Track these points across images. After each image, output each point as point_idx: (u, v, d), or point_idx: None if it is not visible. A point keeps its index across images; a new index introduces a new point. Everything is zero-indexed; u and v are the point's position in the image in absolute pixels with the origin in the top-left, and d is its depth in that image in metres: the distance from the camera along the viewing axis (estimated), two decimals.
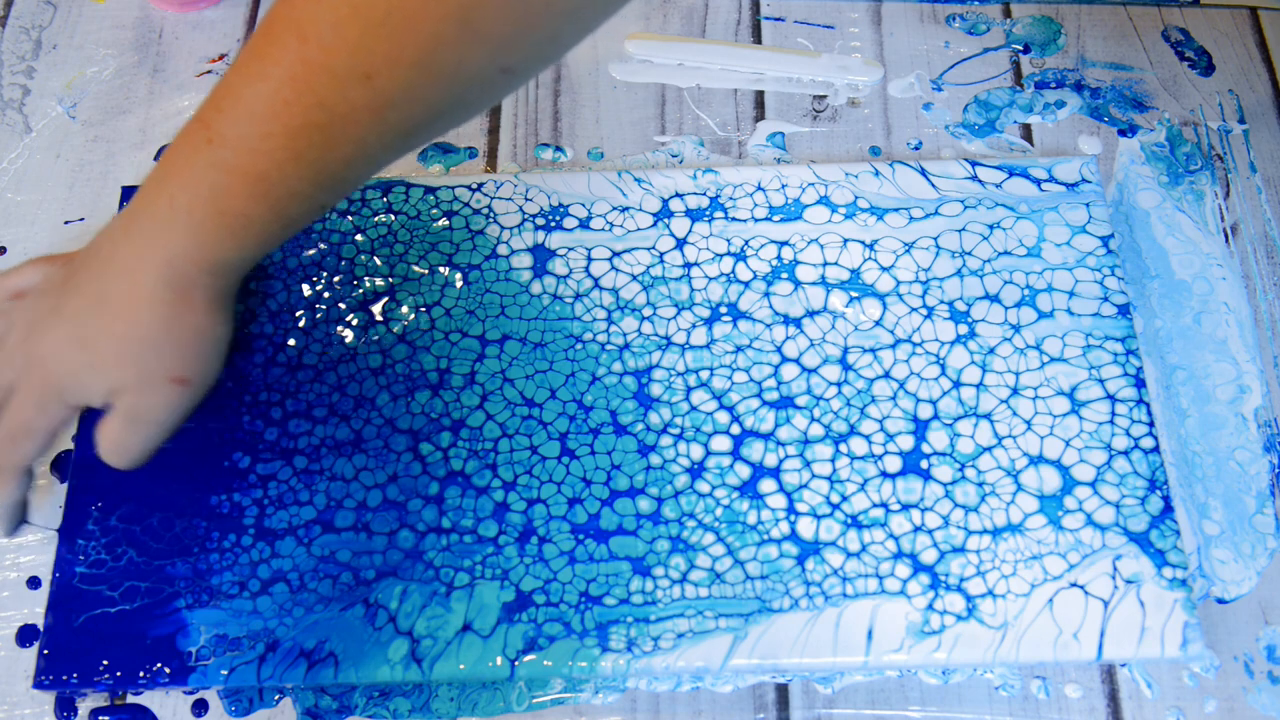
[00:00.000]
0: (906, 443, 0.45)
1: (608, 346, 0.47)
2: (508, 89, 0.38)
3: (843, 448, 0.45)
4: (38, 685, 0.41)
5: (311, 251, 0.49)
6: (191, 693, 0.43)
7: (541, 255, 0.49)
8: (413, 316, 0.47)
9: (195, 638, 0.42)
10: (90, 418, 0.45)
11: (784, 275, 0.48)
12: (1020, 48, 0.56)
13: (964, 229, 0.49)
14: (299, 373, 0.46)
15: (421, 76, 0.35)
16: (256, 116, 0.36)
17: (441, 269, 0.48)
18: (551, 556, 0.43)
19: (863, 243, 0.49)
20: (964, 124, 0.54)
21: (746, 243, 0.49)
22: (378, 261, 0.48)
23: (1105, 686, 0.43)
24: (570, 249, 0.49)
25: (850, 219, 0.49)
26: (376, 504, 0.44)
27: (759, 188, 0.50)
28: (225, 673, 0.41)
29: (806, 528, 0.43)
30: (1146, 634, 0.41)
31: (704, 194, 0.50)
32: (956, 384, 0.46)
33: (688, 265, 0.48)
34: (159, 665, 0.41)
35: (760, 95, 0.55)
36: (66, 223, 0.52)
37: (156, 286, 0.39)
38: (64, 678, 0.41)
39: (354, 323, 0.47)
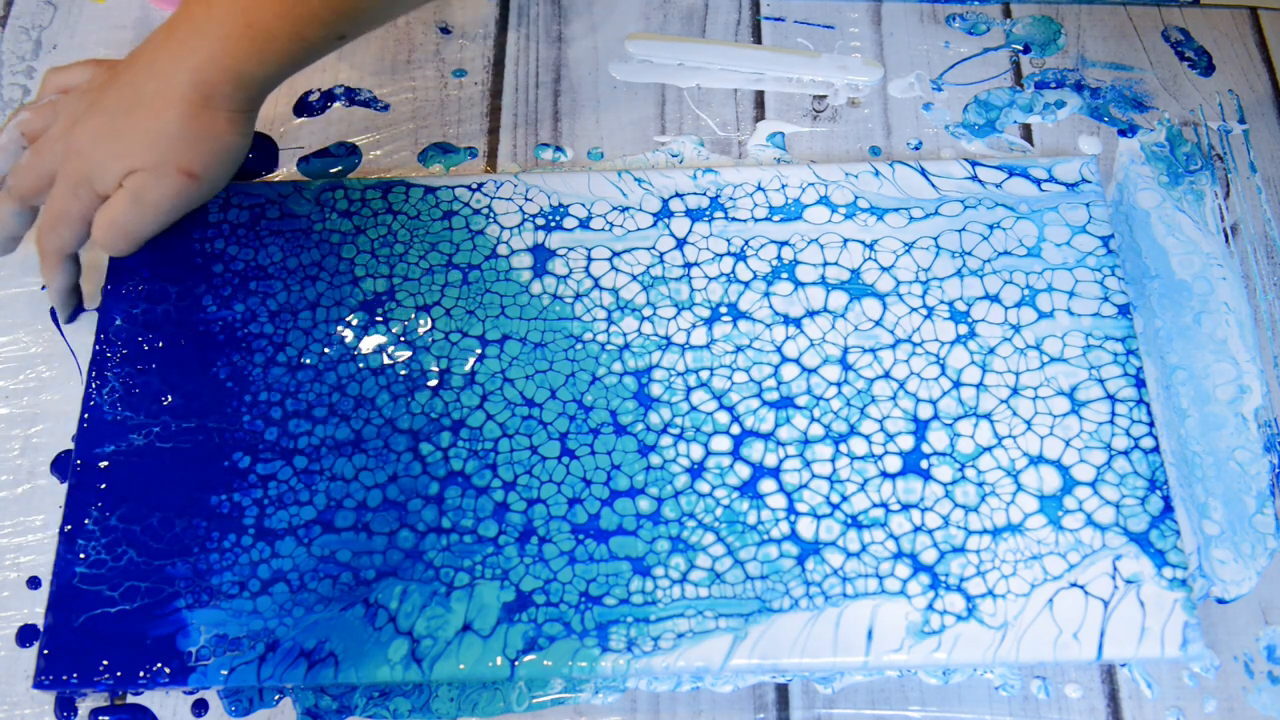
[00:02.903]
0: (906, 443, 0.45)
1: (608, 346, 0.47)
2: None
3: (843, 448, 0.45)
4: (38, 685, 0.41)
5: (312, 251, 0.49)
6: (191, 693, 0.43)
7: (541, 255, 0.49)
8: (413, 316, 0.47)
9: (195, 638, 0.42)
10: (91, 414, 0.45)
11: (784, 275, 0.48)
12: (1020, 48, 0.56)
13: (964, 229, 0.49)
14: (299, 373, 0.46)
15: None
16: None
17: (441, 269, 0.48)
18: (551, 556, 0.43)
19: (863, 243, 0.49)
20: (964, 124, 0.54)
21: (746, 243, 0.49)
22: (378, 261, 0.48)
23: (1105, 686, 0.43)
24: (570, 249, 0.49)
25: (850, 219, 0.49)
26: (376, 504, 0.44)
27: (759, 188, 0.50)
28: (225, 673, 0.41)
29: (806, 528, 0.43)
30: (1146, 634, 0.41)
31: (704, 194, 0.50)
32: (956, 384, 0.46)
33: (688, 265, 0.48)
34: (159, 665, 0.41)
35: (760, 95, 0.55)
36: None
37: (184, 88, 0.43)
38: (64, 678, 0.41)
39: (354, 323, 0.47)
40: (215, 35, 0.43)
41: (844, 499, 0.44)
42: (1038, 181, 0.50)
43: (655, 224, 0.49)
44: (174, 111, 0.43)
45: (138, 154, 0.44)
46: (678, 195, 0.50)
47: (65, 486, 0.45)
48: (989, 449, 0.45)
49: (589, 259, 0.48)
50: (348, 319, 0.47)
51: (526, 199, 0.50)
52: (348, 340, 0.47)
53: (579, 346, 0.47)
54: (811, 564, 0.43)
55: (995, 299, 0.47)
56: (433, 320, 0.47)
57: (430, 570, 0.43)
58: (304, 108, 0.55)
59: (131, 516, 0.44)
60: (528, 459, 0.44)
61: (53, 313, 0.50)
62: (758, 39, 0.57)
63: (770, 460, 0.44)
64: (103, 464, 0.44)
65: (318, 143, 0.54)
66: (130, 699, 0.43)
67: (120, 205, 0.45)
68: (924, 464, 0.44)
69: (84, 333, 0.49)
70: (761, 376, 0.46)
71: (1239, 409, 0.48)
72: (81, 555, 0.43)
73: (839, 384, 0.46)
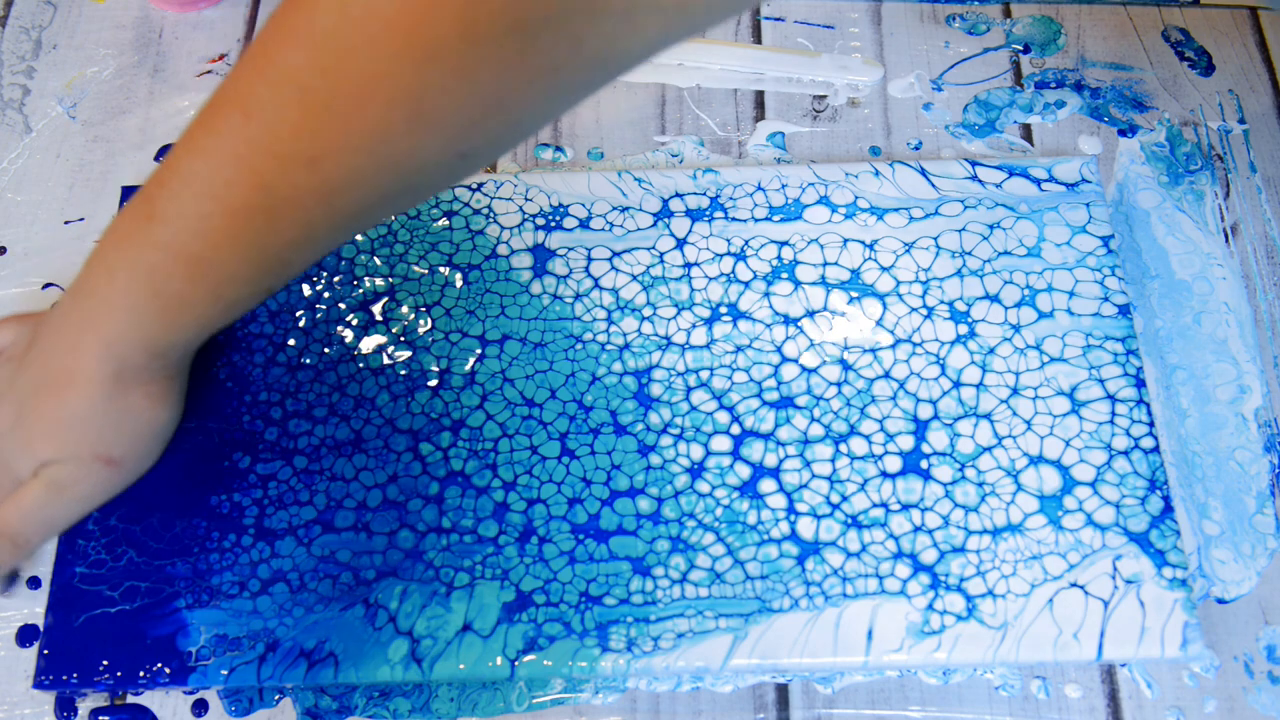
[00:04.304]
0: (906, 443, 0.45)
1: (608, 346, 0.47)
2: (467, 172, 0.35)
3: (843, 448, 0.45)
4: (38, 685, 0.41)
5: None
6: (191, 693, 0.43)
7: (541, 255, 0.49)
8: (413, 316, 0.47)
9: (195, 638, 0.42)
10: None
11: (784, 275, 0.48)
12: (1020, 48, 0.56)
13: (964, 229, 0.49)
14: (299, 373, 0.46)
15: (371, 163, 0.32)
16: (196, 195, 0.34)
17: (441, 269, 0.48)
18: (551, 556, 0.43)
19: (863, 243, 0.49)
20: (964, 124, 0.54)
21: (746, 243, 0.49)
22: (378, 261, 0.48)
23: (1105, 686, 0.43)
24: (570, 249, 0.49)
25: (850, 219, 0.49)
26: (376, 504, 0.44)
27: (759, 188, 0.50)
28: (225, 673, 0.41)
29: (806, 528, 0.43)
30: (1146, 634, 0.41)
31: (704, 194, 0.50)
32: (956, 384, 0.46)
33: (688, 265, 0.48)
34: (159, 665, 0.41)
35: (760, 95, 0.55)
36: (66, 223, 0.52)
37: (92, 367, 0.38)
38: (64, 678, 0.41)
39: (354, 323, 0.47)
40: (120, 308, 0.37)
41: (844, 499, 0.44)
42: (1038, 181, 0.50)
43: (655, 224, 0.49)
44: (82, 394, 0.38)
45: (48, 444, 0.40)
46: (678, 195, 0.50)
47: None
48: (989, 449, 0.45)
49: (589, 259, 0.48)
50: (348, 319, 0.47)
51: (526, 199, 0.50)
52: (348, 340, 0.47)
53: (579, 346, 0.47)
54: (811, 564, 0.43)
55: (995, 299, 0.47)
56: (433, 320, 0.47)
57: (430, 570, 0.43)
58: None
59: (131, 516, 0.44)
60: (528, 459, 0.44)
61: None
62: (758, 39, 0.57)
63: (770, 460, 0.44)
64: None
65: None
66: (130, 699, 0.43)
67: (34, 495, 0.40)
68: (924, 464, 0.44)
69: None
70: (761, 376, 0.46)
71: (1239, 409, 0.48)
72: (81, 555, 0.43)
73: (839, 384, 0.46)
